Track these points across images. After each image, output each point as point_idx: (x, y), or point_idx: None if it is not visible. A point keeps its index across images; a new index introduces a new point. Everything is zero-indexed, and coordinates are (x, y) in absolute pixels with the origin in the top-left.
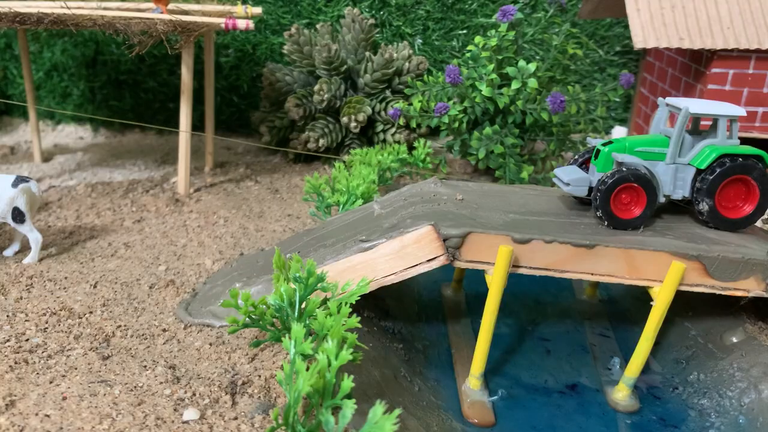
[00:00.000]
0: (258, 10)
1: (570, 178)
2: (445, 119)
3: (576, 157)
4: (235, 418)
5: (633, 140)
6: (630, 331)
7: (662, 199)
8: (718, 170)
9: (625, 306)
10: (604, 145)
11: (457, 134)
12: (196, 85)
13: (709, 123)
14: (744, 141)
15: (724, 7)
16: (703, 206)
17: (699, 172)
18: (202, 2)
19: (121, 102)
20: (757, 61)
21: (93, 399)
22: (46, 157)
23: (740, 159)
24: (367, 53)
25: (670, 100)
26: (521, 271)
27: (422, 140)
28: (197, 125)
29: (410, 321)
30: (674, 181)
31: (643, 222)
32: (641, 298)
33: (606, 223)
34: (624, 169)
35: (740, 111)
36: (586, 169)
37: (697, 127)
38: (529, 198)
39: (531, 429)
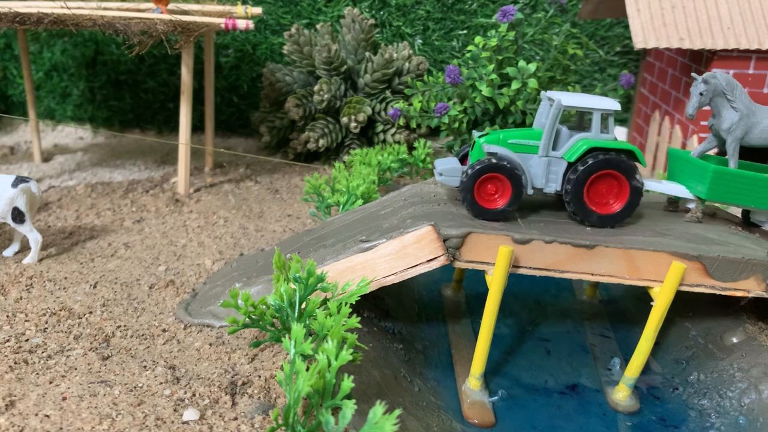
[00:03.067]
0: (258, 10)
1: (443, 168)
2: (445, 119)
3: (461, 149)
4: (235, 419)
5: (507, 132)
6: (630, 331)
7: (530, 191)
8: (588, 163)
9: (625, 306)
10: (480, 136)
11: (457, 134)
12: (196, 85)
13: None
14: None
15: (724, 7)
16: (571, 200)
17: (570, 165)
18: (202, 2)
19: (120, 102)
20: (757, 62)
21: (93, 399)
22: (46, 158)
23: (612, 153)
24: (367, 53)
25: (549, 93)
26: (521, 271)
27: (422, 140)
28: (197, 125)
29: (410, 321)
30: (547, 174)
31: (507, 213)
32: (641, 298)
33: (470, 212)
34: (488, 159)
35: (614, 105)
36: None
37: (583, 122)
38: (529, 198)
39: (531, 429)
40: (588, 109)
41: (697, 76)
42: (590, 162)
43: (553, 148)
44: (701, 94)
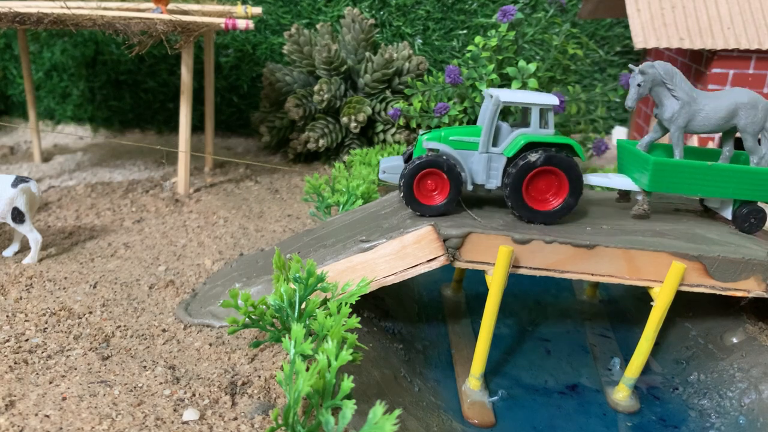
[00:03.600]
0: (258, 10)
1: (386, 165)
2: (445, 119)
3: (408, 148)
4: (235, 419)
5: (449, 130)
6: (630, 331)
7: (470, 188)
8: (526, 159)
9: (625, 306)
10: (424, 134)
11: None
12: (196, 85)
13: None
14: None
15: (724, 7)
16: (510, 196)
17: (510, 161)
18: (202, 2)
19: (120, 102)
20: (757, 62)
21: (93, 399)
22: (46, 158)
23: (553, 150)
24: (367, 53)
25: (491, 90)
26: (521, 271)
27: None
28: (197, 125)
29: (410, 321)
30: (487, 170)
31: (447, 209)
32: (641, 298)
33: (410, 208)
34: (426, 155)
35: (553, 100)
36: None
37: (527, 118)
38: None
39: (531, 429)
40: (526, 104)
41: (633, 67)
42: (529, 158)
43: (495, 145)
44: (639, 84)
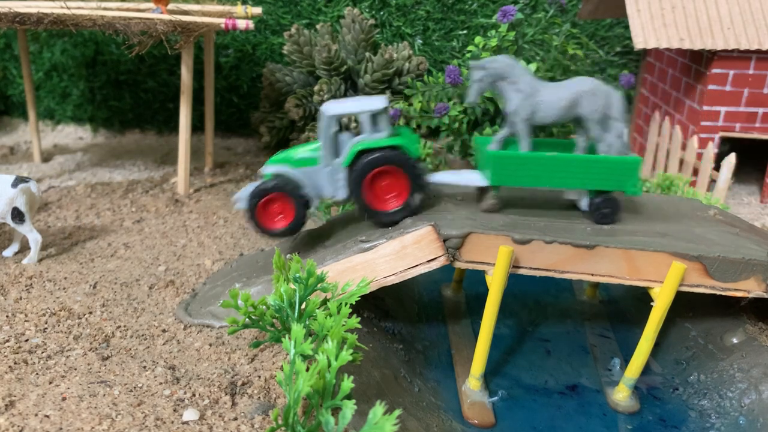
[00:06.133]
0: (258, 10)
1: (238, 195)
2: (446, 120)
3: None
4: (235, 419)
5: (293, 149)
6: (630, 331)
7: (316, 204)
8: (355, 168)
9: (625, 307)
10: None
11: (458, 135)
12: (196, 86)
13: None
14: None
15: (724, 7)
16: (356, 203)
17: (350, 170)
18: (202, 2)
19: (120, 102)
20: (757, 62)
21: (92, 399)
22: (46, 158)
23: (384, 152)
24: (367, 53)
25: (323, 105)
26: (521, 271)
27: (422, 141)
28: (197, 125)
29: (410, 321)
30: (334, 182)
31: (296, 229)
32: (641, 298)
33: (260, 234)
34: (268, 181)
35: (379, 104)
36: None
37: (376, 125)
38: (530, 198)
39: (531, 430)
40: (354, 113)
41: (473, 63)
42: (362, 163)
43: (338, 156)
44: (480, 80)
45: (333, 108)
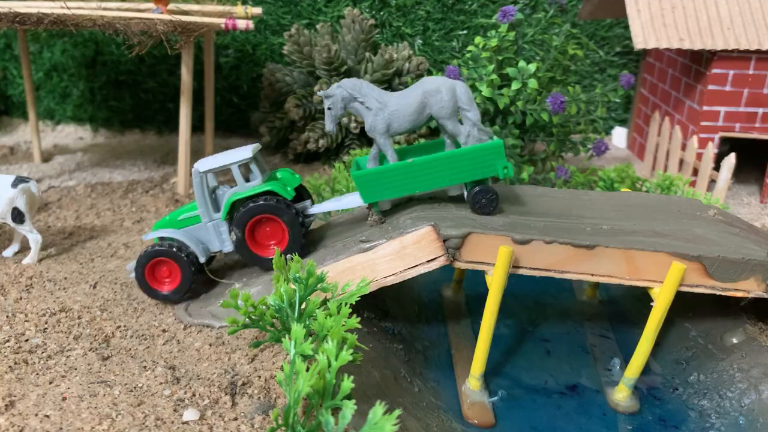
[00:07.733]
0: (258, 10)
1: (129, 266)
2: None
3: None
4: (235, 419)
5: (175, 212)
6: (630, 331)
7: (203, 260)
8: (235, 218)
9: (625, 307)
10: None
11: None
12: (196, 86)
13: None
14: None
15: (724, 7)
16: (242, 255)
17: (229, 222)
18: (202, 2)
19: (120, 102)
20: (757, 62)
21: (93, 399)
22: (46, 158)
23: (261, 201)
24: (367, 54)
25: (196, 163)
26: (521, 271)
27: (422, 141)
28: (197, 125)
29: (410, 322)
30: (218, 236)
31: (183, 294)
32: (641, 298)
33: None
34: (152, 246)
35: (246, 153)
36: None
37: (251, 172)
38: (530, 199)
39: (531, 430)
40: (223, 167)
41: (320, 93)
42: (239, 213)
43: (218, 210)
44: (329, 108)
45: (203, 164)
